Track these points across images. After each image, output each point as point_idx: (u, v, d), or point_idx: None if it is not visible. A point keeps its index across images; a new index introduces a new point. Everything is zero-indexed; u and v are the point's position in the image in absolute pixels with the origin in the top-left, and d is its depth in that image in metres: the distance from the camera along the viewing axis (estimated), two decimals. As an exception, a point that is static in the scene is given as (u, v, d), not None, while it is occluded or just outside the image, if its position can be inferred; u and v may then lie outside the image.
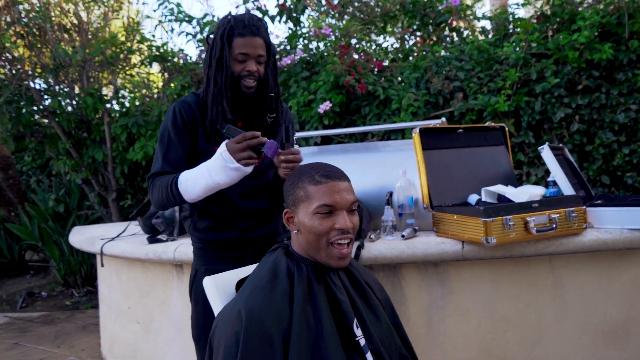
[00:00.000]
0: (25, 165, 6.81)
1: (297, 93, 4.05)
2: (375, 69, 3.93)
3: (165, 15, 4.64)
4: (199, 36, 4.65)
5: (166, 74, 4.88)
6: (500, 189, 2.12)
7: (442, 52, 4.00)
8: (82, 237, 3.14)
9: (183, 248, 2.37)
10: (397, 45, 4.78)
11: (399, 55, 4.43)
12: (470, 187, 2.23)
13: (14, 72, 4.65)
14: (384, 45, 4.94)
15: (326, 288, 1.26)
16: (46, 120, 5.05)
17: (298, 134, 3.23)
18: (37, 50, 4.69)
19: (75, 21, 5.00)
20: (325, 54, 3.98)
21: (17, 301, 5.44)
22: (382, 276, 2.19)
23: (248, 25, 1.57)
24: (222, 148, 1.46)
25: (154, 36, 4.81)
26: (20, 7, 4.43)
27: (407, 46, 4.60)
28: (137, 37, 4.85)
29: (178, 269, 2.54)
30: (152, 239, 2.54)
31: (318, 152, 2.83)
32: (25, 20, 4.49)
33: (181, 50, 4.77)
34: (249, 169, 1.48)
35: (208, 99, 1.62)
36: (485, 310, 2.12)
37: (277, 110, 1.72)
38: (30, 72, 4.70)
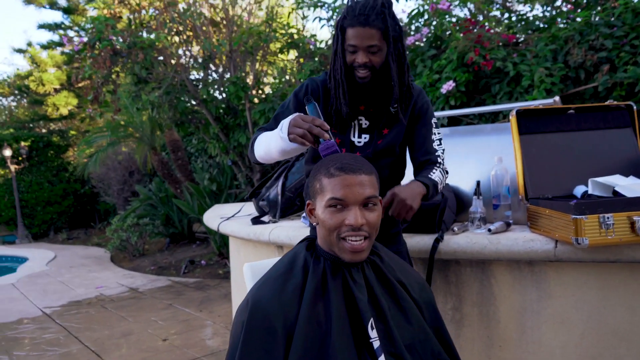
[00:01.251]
0: (192, 148, 7.69)
1: (422, 73, 3.88)
2: (501, 44, 3.56)
3: (299, 3, 4.79)
4: (332, 21, 4.71)
5: (301, 60, 5.05)
6: (611, 180, 1.78)
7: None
8: (210, 214, 3.45)
9: (278, 231, 2.46)
10: (540, 13, 4.26)
11: (540, 25, 3.95)
12: (580, 177, 1.92)
13: (171, 64, 5.24)
14: (528, 14, 4.44)
15: (344, 284, 1.21)
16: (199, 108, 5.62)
17: (440, 113, 3.11)
18: (190, 44, 5.21)
19: (223, 15, 5.43)
20: (448, 31, 3.73)
21: (181, 267, 6.22)
22: (469, 272, 2.02)
23: (357, 15, 1.49)
24: (291, 116, 1.44)
25: (288, 24, 4.98)
26: (180, 6, 4.94)
27: (554, 13, 4.08)
28: (275, 26, 5.09)
29: (279, 249, 2.65)
30: (255, 220, 2.69)
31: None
32: (178, 19, 5.00)
33: (313, 36, 4.88)
34: (294, 145, 1.41)
35: (331, 88, 1.63)
36: (590, 320, 1.82)
37: (402, 100, 1.63)
38: (185, 65, 5.26)
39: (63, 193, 11.37)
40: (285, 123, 1.42)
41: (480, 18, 3.81)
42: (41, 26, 11.20)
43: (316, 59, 4.72)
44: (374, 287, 1.24)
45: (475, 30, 3.51)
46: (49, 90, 11.15)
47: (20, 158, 10.75)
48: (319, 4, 4.79)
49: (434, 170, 1.64)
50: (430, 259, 1.90)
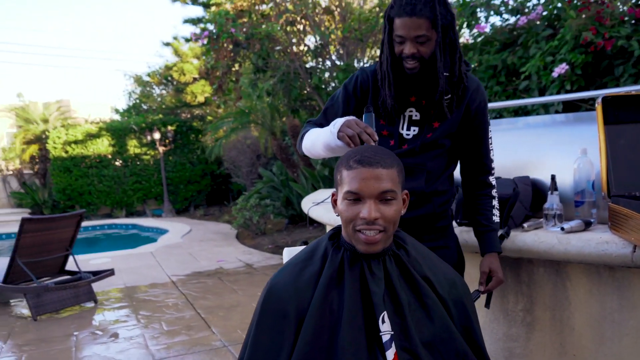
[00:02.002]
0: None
1: (536, 55, 3.60)
2: (627, 20, 3.15)
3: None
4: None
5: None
6: None
7: None
8: (307, 199, 3.60)
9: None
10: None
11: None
12: (680, 173, 1.67)
13: (286, 53, 5.47)
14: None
15: (361, 276, 1.22)
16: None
17: (535, 99, 2.92)
18: (303, 34, 5.39)
19: (336, 2, 5.51)
20: (560, 6, 3.40)
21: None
22: (542, 272, 1.88)
23: (405, 5, 1.44)
24: (348, 117, 1.45)
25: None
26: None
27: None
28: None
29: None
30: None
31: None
32: (293, 9, 5.19)
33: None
34: (340, 143, 1.42)
35: (379, 81, 1.62)
36: (681, 337, 1.60)
37: (455, 91, 1.59)
38: (298, 54, 5.46)
39: (202, 173, 12.50)
40: (339, 121, 1.44)
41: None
42: (186, 21, 12.36)
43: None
44: (394, 280, 1.23)
45: (592, 6, 3.15)
46: (189, 79, 12.29)
47: (167, 141, 12.03)
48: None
49: (494, 209, 1.70)
50: (493, 255, 1.81)
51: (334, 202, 1.29)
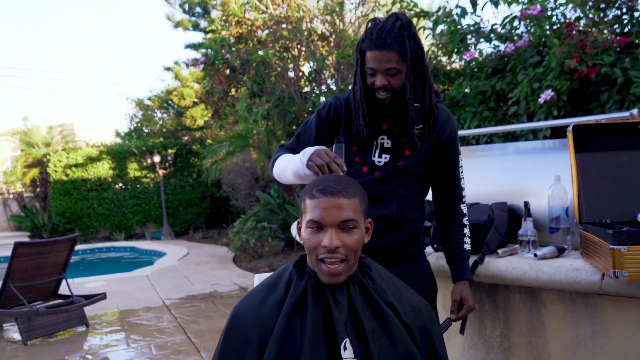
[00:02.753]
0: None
1: (524, 81, 3.66)
2: (608, 48, 3.22)
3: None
4: (437, 30, 4.63)
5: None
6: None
7: None
8: (295, 223, 3.62)
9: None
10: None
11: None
12: (651, 200, 1.70)
13: (280, 78, 5.56)
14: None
15: (324, 303, 1.24)
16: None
17: (524, 125, 2.99)
18: (298, 59, 5.48)
19: (330, 29, 5.62)
20: (541, 36, 3.47)
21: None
22: (519, 299, 1.89)
23: (375, 39, 1.49)
24: (318, 147, 1.48)
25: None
26: (283, 25, 5.24)
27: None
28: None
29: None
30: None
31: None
32: (287, 36, 5.29)
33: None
34: (309, 172, 1.44)
35: (352, 111, 1.66)
36: (654, 364, 1.61)
37: (426, 122, 1.62)
38: (293, 79, 5.54)
39: (201, 196, 12.54)
40: (309, 150, 1.47)
41: (584, 20, 3.48)
42: (187, 46, 12.57)
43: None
44: (358, 307, 1.25)
45: (575, 35, 3.21)
46: (189, 103, 12.44)
47: (167, 164, 12.10)
48: (421, 14, 4.74)
49: (465, 238, 1.72)
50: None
51: (299, 230, 1.32)
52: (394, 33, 1.48)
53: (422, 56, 1.55)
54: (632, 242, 1.39)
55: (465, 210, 1.72)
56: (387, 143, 1.66)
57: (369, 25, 1.56)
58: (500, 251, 1.87)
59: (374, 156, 1.66)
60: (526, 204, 1.86)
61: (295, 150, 1.65)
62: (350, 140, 1.67)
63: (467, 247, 1.70)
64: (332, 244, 1.17)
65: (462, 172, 1.73)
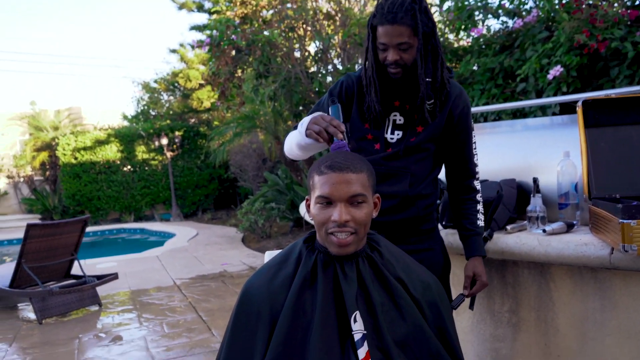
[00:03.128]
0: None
1: (532, 57, 3.61)
2: (619, 22, 3.16)
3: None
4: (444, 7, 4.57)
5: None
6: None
7: None
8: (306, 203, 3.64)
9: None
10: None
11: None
12: (660, 175, 1.69)
13: (287, 59, 5.53)
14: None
15: (334, 277, 1.26)
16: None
17: (533, 102, 2.96)
18: (304, 39, 5.44)
19: (336, 7, 5.56)
20: (550, 11, 3.42)
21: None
22: (527, 274, 1.90)
23: (387, 13, 1.48)
24: (314, 114, 1.51)
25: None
26: (288, 5, 5.19)
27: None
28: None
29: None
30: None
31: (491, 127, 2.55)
32: (293, 15, 5.24)
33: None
34: (309, 140, 1.48)
35: (364, 88, 1.65)
36: (662, 337, 1.62)
37: (438, 97, 1.62)
38: (299, 59, 5.51)
39: (209, 177, 12.59)
40: (306, 119, 1.50)
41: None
42: (192, 28, 12.48)
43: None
44: (367, 281, 1.26)
45: (585, 9, 3.16)
46: (195, 85, 12.41)
47: (174, 146, 12.14)
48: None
49: (479, 214, 1.71)
50: (476, 257, 1.83)
51: (308, 207, 1.33)
52: (405, 7, 1.47)
53: (434, 30, 1.54)
54: (642, 215, 1.38)
55: (478, 187, 1.72)
56: (400, 120, 1.65)
57: (379, 0, 1.56)
58: (509, 227, 1.87)
59: (387, 133, 1.66)
60: (535, 180, 1.86)
61: None
62: (362, 117, 1.67)
63: (481, 223, 1.71)
64: (342, 218, 1.19)
65: (475, 149, 1.72)
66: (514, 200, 1.96)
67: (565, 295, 1.81)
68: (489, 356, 2.06)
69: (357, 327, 1.21)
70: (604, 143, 1.76)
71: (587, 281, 1.75)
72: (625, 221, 1.40)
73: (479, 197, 1.74)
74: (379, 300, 1.25)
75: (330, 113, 1.50)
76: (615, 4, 3.50)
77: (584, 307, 1.76)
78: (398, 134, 1.65)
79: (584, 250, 1.62)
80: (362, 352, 1.19)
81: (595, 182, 1.73)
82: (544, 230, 1.76)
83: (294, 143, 1.59)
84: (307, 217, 3.34)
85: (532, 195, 1.87)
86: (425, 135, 1.64)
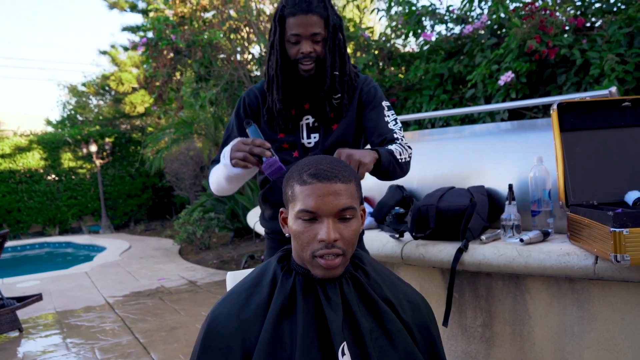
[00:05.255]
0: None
1: (481, 64, 3.61)
2: (568, 29, 3.21)
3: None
4: (391, 11, 4.52)
5: (357, 54, 4.90)
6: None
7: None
8: (252, 213, 3.42)
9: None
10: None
11: (620, 6, 3.52)
12: (635, 180, 1.64)
13: (229, 61, 5.29)
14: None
15: (315, 303, 1.08)
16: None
17: (482, 107, 2.89)
18: (247, 41, 5.23)
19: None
20: (503, 15, 3.43)
21: (241, 262, 6.30)
22: (501, 286, 1.80)
23: (299, 3, 1.44)
24: (232, 142, 1.42)
25: (344, 17, 4.84)
26: (231, 5, 4.96)
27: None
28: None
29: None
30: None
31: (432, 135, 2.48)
32: (236, 16, 5.02)
33: (368, 28, 4.72)
34: (237, 170, 1.40)
35: (265, 86, 1.59)
36: (642, 349, 1.56)
37: (344, 90, 1.56)
38: (242, 62, 5.29)
39: (142, 186, 11.98)
40: (227, 150, 1.41)
41: (541, 2, 3.47)
42: (124, 29, 11.87)
43: (371, 51, 4.56)
44: (353, 306, 1.09)
45: (536, 15, 3.19)
46: (128, 89, 11.80)
47: (104, 153, 11.44)
48: (376, -6, 4.62)
49: (389, 145, 1.48)
50: (451, 270, 1.71)
51: (283, 221, 1.14)
52: None
53: (342, 24, 1.53)
54: (634, 224, 1.31)
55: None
56: (312, 122, 1.57)
57: None
58: (483, 237, 1.77)
59: (303, 138, 1.57)
60: (510, 187, 1.77)
61: None
62: (272, 127, 1.58)
63: (390, 148, 1.44)
64: (330, 236, 1.01)
65: (393, 118, 1.57)
66: (487, 208, 1.86)
67: (542, 308, 1.72)
68: (461, 374, 1.95)
69: (345, 359, 1.03)
70: (579, 147, 1.70)
71: (564, 292, 1.67)
72: (617, 230, 1.31)
73: (396, 140, 1.53)
74: (367, 327, 1.09)
75: (249, 135, 1.41)
76: (558, 13, 3.57)
77: (561, 320, 1.68)
78: (315, 137, 1.57)
79: (567, 260, 1.53)
80: (352, 388, 1.01)
81: (573, 188, 1.66)
82: (522, 240, 1.67)
83: (222, 178, 1.48)
84: (259, 229, 3.13)
85: (507, 202, 1.78)
86: (341, 131, 1.56)
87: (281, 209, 1.15)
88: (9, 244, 9.09)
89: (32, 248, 10.11)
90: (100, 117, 12.81)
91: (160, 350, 3.43)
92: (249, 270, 1.31)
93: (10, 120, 14.50)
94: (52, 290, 5.46)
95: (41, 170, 11.24)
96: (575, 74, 3.15)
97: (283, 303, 1.06)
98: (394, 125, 1.54)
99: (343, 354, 1.03)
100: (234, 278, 1.31)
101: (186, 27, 5.37)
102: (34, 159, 11.20)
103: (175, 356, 3.30)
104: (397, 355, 1.09)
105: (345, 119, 1.57)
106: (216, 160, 1.61)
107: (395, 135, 1.51)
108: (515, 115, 3.58)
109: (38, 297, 4.13)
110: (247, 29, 5.26)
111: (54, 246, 10.17)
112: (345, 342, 1.04)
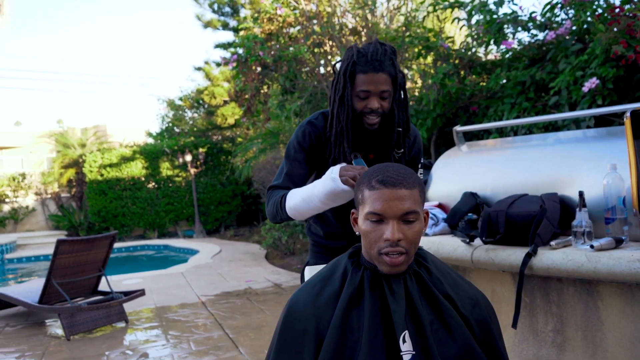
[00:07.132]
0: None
1: (565, 70, 3.54)
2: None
3: (435, 5, 4.71)
4: (472, 20, 4.54)
5: (438, 63, 4.94)
6: None
7: None
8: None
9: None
10: None
11: None
12: None
13: (312, 75, 5.54)
14: None
15: (381, 295, 1.21)
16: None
17: (567, 114, 2.91)
18: (330, 55, 5.45)
19: (362, 22, 5.57)
20: (590, 19, 3.35)
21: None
22: (573, 292, 1.82)
23: (371, 61, 1.51)
24: (340, 165, 1.51)
25: (424, 27, 4.92)
26: (314, 21, 5.21)
27: None
28: (413, 31, 5.06)
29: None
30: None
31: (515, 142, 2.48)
32: (319, 31, 5.27)
33: (449, 38, 4.75)
34: (344, 187, 1.45)
35: (332, 136, 1.63)
36: None
37: (404, 145, 1.67)
38: (325, 75, 5.51)
39: (232, 194, 12.65)
40: (335, 168, 1.49)
41: (628, 5, 3.35)
42: (217, 46, 12.68)
43: (451, 61, 4.59)
44: (415, 299, 1.21)
45: (622, 19, 3.09)
46: (220, 102, 12.55)
47: (198, 163, 12.25)
48: (456, 4, 4.65)
49: None
50: (520, 274, 1.77)
51: (354, 221, 1.29)
52: (388, 55, 1.54)
53: (405, 81, 1.62)
54: None
55: None
56: None
57: (354, 51, 1.57)
58: (553, 243, 1.80)
59: None
60: (581, 194, 1.79)
61: (291, 188, 1.64)
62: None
63: None
64: (395, 236, 1.15)
65: (420, 172, 1.79)
66: (558, 215, 1.89)
67: (614, 315, 1.72)
68: (532, 378, 1.97)
69: (406, 347, 1.15)
70: (654, 155, 1.69)
71: (638, 300, 1.67)
72: (685, 236, 1.32)
73: None
74: (428, 319, 1.20)
75: (354, 164, 1.52)
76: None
77: (635, 328, 1.68)
78: None
79: (637, 266, 1.54)
80: (411, 373, 1.13)
81: (647, 196, 1.66)
82: (592, 246, 1.69)
83: (321, 194, 1.52)
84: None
85: (578, 209, 1.80)
86: None
87: (352, 210, 1.30)
88: (115, 245, 10.00)
89: (135, 249, 11.04)
90: (195, 129, 13.71)
91: (248, 346, 3.69)
92: (323, 265, 1.48)
93: (116, 133, 15.91)
94: (152, 287, 5.98)
95: (143, 179, 12.25)
96: (668, 78, 3.02)
97: (352, 294, 1.21)
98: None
99: (404, 341, 1.16)
100: (311, 271, 1.48)
101: (273, 43, 5.70)
102: (137, 168, 12.23)
103: (261, 351, 3.54)
104: (456, 347, 1.19)
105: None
106: (279, 186, 1.67)
107: None
108: (602, 122, 3.46)
109: (141, 292, 4.58)
110: (330, 42, 5.48)
111: (153, 248, 11.03)
112: (406, 331, 1.17)
